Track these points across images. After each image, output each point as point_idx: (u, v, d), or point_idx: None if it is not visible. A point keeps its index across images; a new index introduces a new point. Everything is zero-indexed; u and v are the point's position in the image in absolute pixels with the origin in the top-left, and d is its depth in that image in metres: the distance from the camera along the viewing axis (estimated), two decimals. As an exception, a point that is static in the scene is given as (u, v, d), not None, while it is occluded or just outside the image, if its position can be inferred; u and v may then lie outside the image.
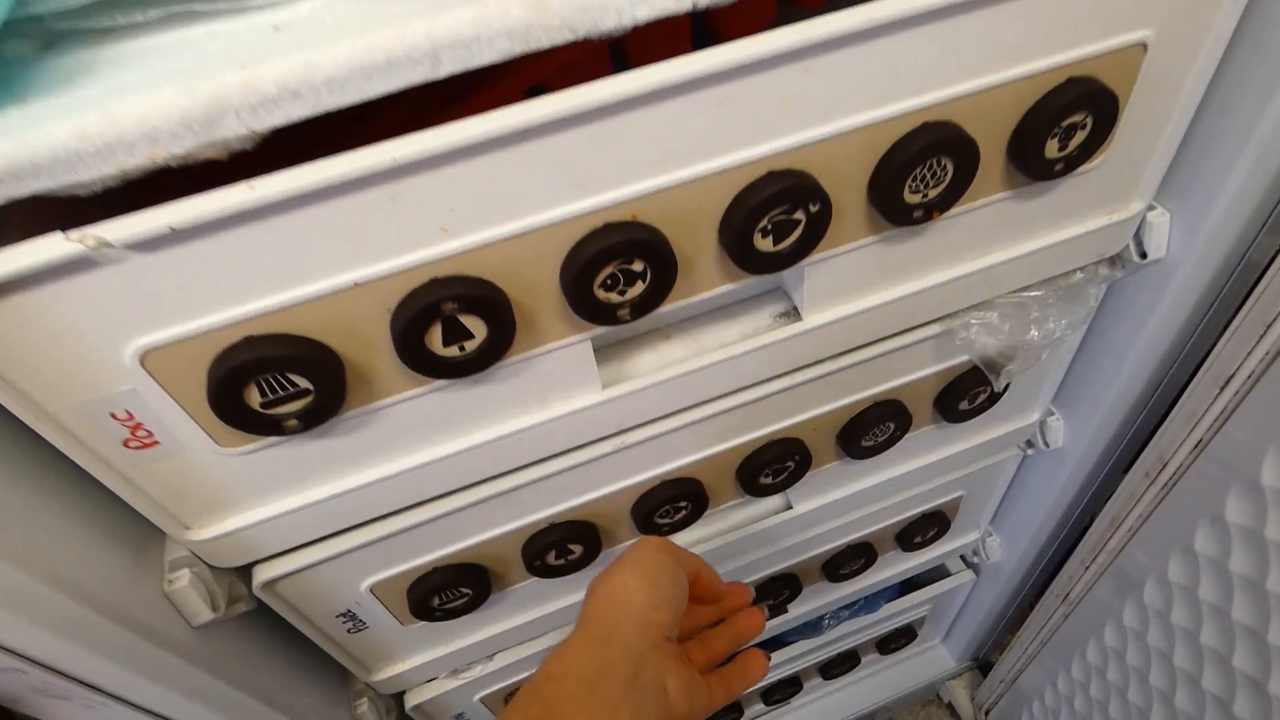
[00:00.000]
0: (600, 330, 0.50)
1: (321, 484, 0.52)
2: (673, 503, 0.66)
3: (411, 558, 0.61)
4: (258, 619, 0.62)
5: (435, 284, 0.43)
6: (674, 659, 0.46)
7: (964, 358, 0.67)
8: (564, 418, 0.54)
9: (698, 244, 0.48)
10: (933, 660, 1.46)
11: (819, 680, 1.35)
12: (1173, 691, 0.81)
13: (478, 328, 0.45)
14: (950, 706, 1.52)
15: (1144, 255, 0.63)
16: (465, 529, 0.61)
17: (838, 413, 0.67)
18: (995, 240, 0.58)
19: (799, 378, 0.61)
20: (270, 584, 0.57)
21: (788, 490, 0.76)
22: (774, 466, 0.67)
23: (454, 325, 0.44)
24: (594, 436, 0.58)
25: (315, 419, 0.45)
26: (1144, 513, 0.75)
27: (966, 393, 0.69)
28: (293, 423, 0.44)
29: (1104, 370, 0.74)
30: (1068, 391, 0.81)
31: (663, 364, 0.56)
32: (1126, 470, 0.79)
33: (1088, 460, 0.84)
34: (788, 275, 0.57)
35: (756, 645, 0.74)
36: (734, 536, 0.79)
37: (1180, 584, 0.75)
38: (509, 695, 0.85)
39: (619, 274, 0.45)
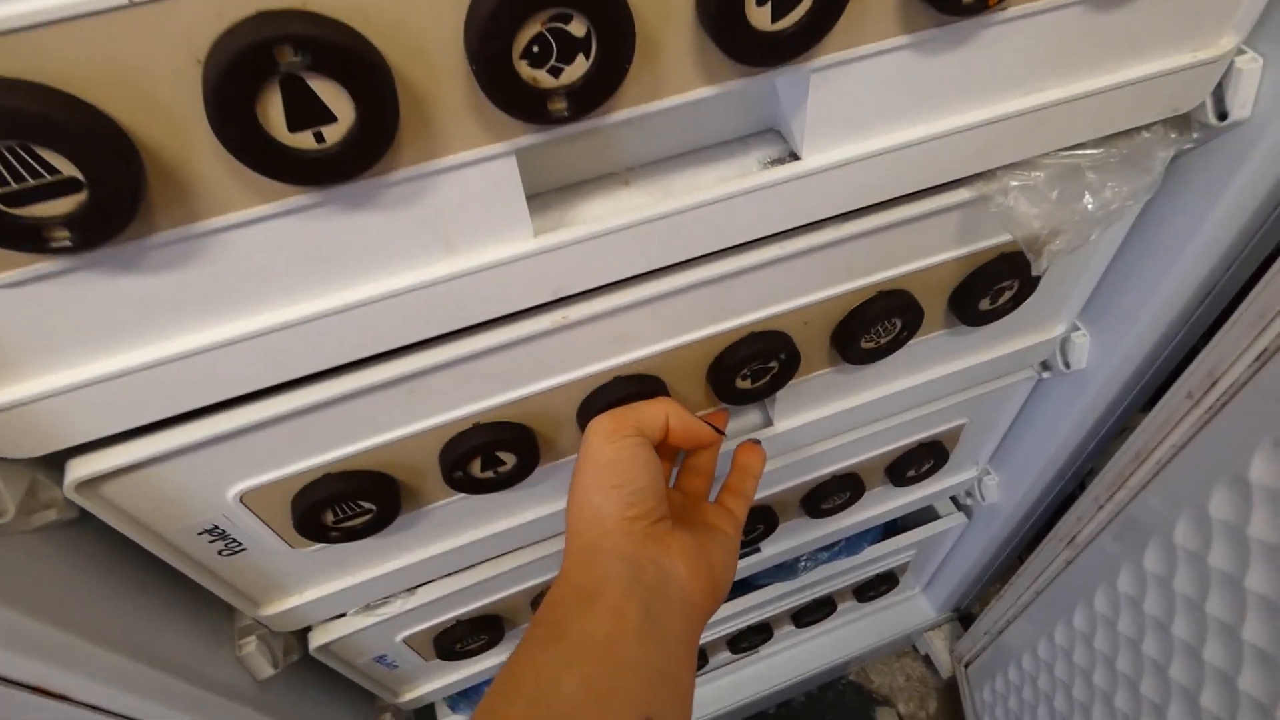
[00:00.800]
0: (528, 137, 0.36)
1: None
2: (628, 400, 0.52)
3: (293, 459, 0.47)
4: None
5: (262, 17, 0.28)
6: (672, 539, 0.45)
7: (991, 242, 0.54)
8: (481, 272, 0.40)
9: (663, 12, 0.34)
10: (911, 610, 1.36)
11: (790, 628, 1.25)
12: (1168, 663, 0.71)
13: (340, 104, 0.30)
14: (926, 659, 1.45)
15: (1223, 116, 0.50)
16: (361, 424, 0.47)
17: (835, 302, 0.53)
18: (1051, 69, 0.45)
19: (791, 246, 0.47)
20: (91, 483, 0.42)
21: (769, 400, 0.63)
22: (754, 366, 0.54)
23: (302, 95, 0.29)
24: (523, 304, 0.43)
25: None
26: (1179, 442, 0.63)
27: (990, 287, 0.56)
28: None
29: (1144, 276, 0.62)
30: (1097, 304, 0.68)
31: (614, 210, 0.42)
32: (1148, 407, 0.68)
33: (1111, 387, 0.72)
34: (786, 100, 0.43)
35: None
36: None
37: (1189, 548, 0.65)
38: (439, 635, 0.73)
39: (549, 37, 0.31)
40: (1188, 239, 0.57)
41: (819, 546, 0.98)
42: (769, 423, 0.66)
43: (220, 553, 0.52)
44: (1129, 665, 0.78)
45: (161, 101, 0.29)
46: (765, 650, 1.28)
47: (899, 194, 0.47)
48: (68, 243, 0.31)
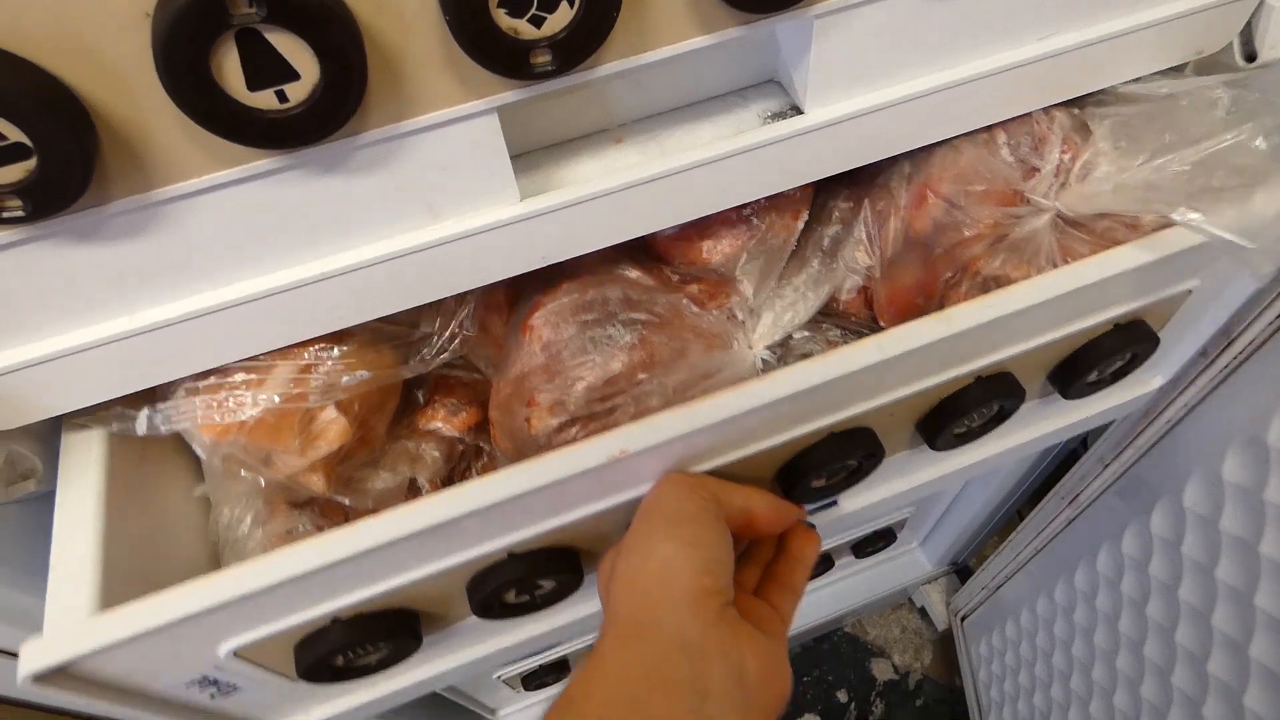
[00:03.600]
0: (509, 94, 0.33)
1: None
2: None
3: (291, 613, 0.40)
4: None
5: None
6: (742, 630, 0.34)
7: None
8: (466, 238, 0.38)
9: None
10: (908, 564, 1.34)
11: None
12: (1173, 626, 0.69)
13: (302, 60, 0.28)
14: (923, 610, 1.43)
15: (1251, 58, 0.47)
16: (377, 570, 0.40)
17: (929, 393, 0.47)
18: (1067, 11, 0.42)
19: (754, 448, 0.42)
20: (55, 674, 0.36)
21: None
22: (830, 469, 0.47)
23: (261, 50, 0.27)
24: (511, 270, 0.41)
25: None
26: (1191, 401, 0.61)
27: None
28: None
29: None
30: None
31: (605, 170, 0.40)
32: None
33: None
34: (787, 49, 0.40)
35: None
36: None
37: (1199, 512, 0.63)
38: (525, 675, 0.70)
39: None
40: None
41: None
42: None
43: (213, 697, 0.44)
44: (1132, 627, 0.77)
45: (110, 60, 0.27)
46: None
47: (908, 148, 0.45)
48: (20, 212, 0.29)
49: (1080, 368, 0.55)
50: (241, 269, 0.36)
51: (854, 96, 0.40)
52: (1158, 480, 0.68)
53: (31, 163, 0.27)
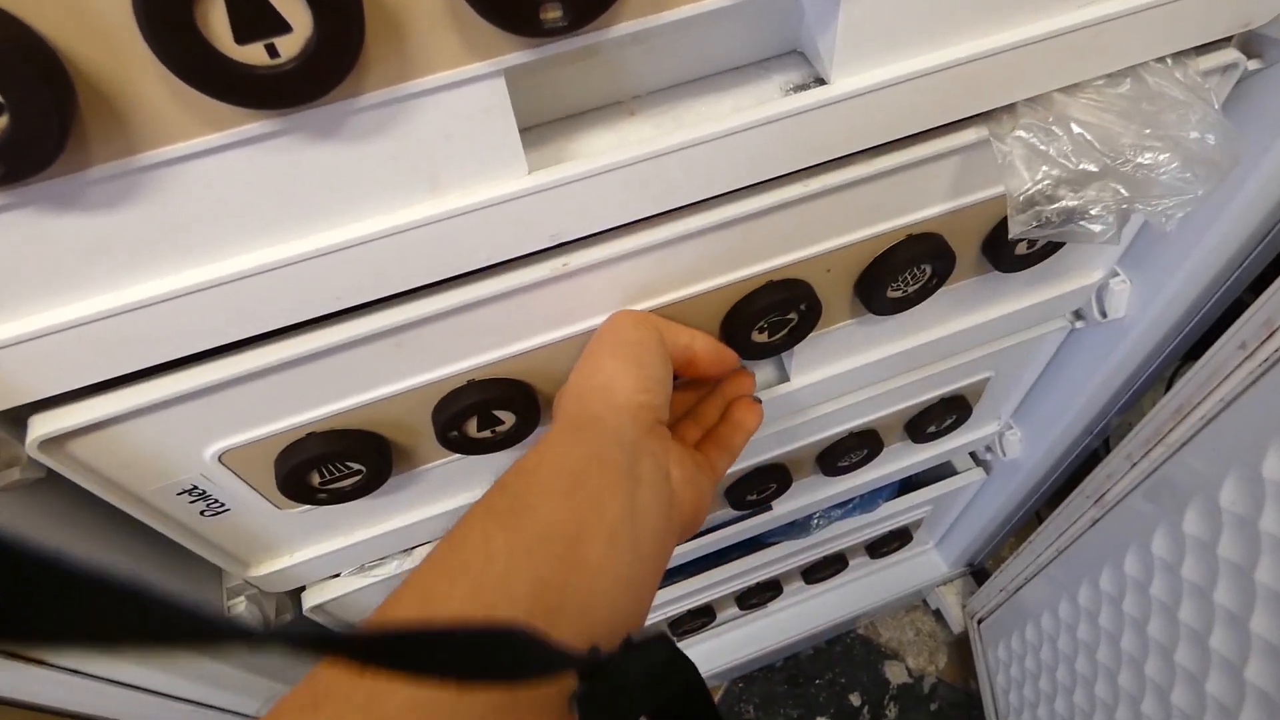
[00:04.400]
0: (518, 54, 0.31)
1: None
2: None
3: (274, 417, 0.43)
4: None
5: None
6: (671, 442, 0.41)
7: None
8: (470, 213, 0.36)
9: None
10: (924, 565, 1.32)
11: (800, 584, 1.20)
12: (1208, 631, 0.66)
13: (294, 11, 0.26)
14: (937, 613, 1.41)
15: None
16: (347, 381, 0.43)
17: (860, 247, 0.48)
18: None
19: (815, 184, 0.43)
20: (55, 441, 0.39)
21: (786, 355, 0.59)
22: (772, 318, 0.49)
23: (253, 4, 0.25)
24: (518, 250, 0.39)
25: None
26: (1228, 396, 0.58)
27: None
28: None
29: (1194, 217, 0.57)
30: (1139, 247, 0.63)
31: (620, 142, 0.38)
32: (1187, 360, 0.64)
33: (1150, 338, 0.67)
34: (812, 15, 0.38)
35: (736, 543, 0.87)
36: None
37: (1236, 512, 0.60)
38: None
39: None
40: (1247, 173, 0.52)
41: (833, 504, 0.94)
42: (785, 378, 0.62)
43: (203, 513, 0.48)
44: (1162, 631, 0.74)
45: (88, 6, 0.25)
46: (773, 606, 1.24)
47: (940, 123, 0.42)
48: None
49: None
50: (231, 242, 0.34)
51: (883, 66, 0.38)
52: (1191, 479, 0.66)
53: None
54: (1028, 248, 0.53)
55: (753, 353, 0.51)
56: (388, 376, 0.44)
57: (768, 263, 0.47)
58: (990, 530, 1.14)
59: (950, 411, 0.77)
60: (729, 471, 0.52)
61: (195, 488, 0.46)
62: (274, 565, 0.56)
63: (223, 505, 0.48)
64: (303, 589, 0.63)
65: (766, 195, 0.42)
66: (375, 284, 0.37)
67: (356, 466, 0.46)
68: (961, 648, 1.38)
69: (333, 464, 0.45)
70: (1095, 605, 0.86)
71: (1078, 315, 0.71)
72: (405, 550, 0.63)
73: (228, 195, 0.32)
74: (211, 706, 0.59)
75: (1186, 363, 0.66)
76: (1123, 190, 0.42)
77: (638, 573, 0.34)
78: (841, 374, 0.62)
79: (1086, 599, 0.88)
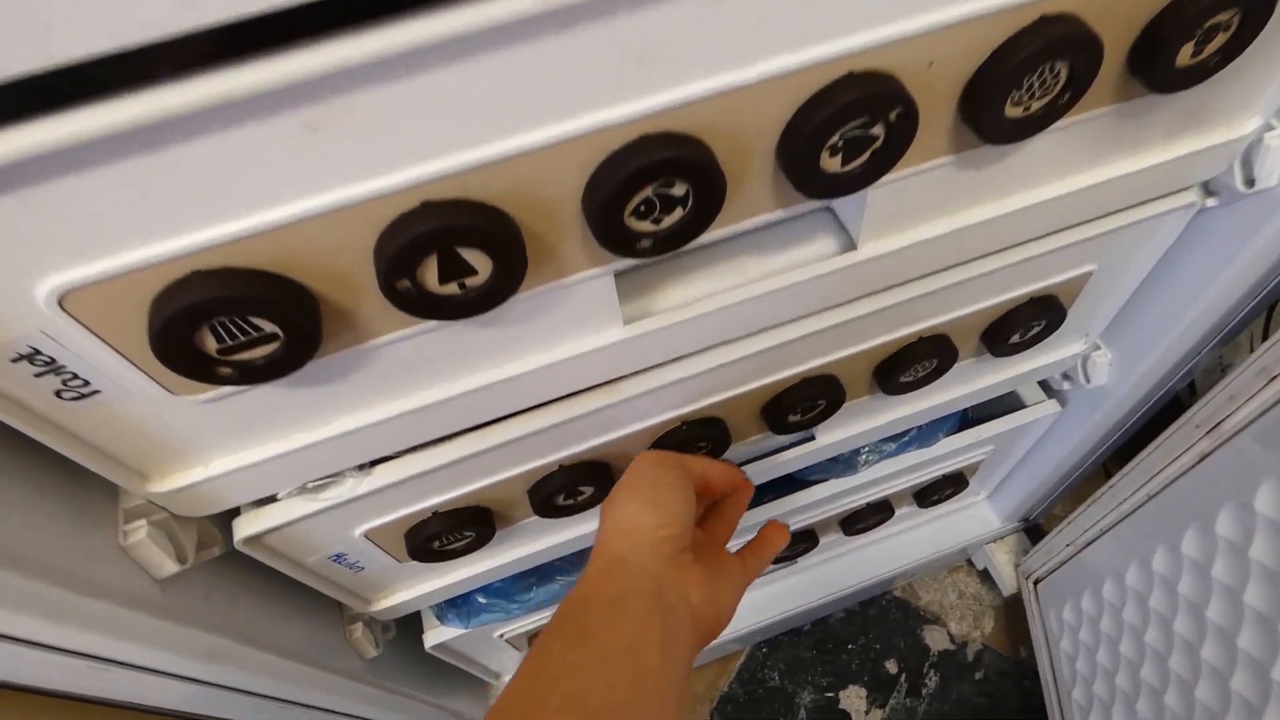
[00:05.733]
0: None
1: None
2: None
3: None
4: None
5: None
6: (690, 568, 0.47)
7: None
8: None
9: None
10: (974, 519, 1.20)
11: (838, 535, 1.09)
12: None
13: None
14: (985, 573, 1.30)
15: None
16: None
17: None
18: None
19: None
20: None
21: (855, 211, 0.48)
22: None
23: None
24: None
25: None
26: None
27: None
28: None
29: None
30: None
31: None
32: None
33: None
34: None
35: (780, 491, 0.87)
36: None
37: None
38: (412, 529, 0.60)
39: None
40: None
41: (885, 436, 0.81)
42: (851, 244, 0.50)
43: (60, 394, 0.37)
44: (1261, 598, 0.64)
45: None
46: (805, 561, 1.13)
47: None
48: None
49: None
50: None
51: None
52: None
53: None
54: (1196, 49, 0.41)
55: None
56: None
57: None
58: (1050, 483, 1.03)
59: (1039, 315, 0.64)
60: (769, 383, 0.58)
61: (38, 353, 0.35)
62: (182, 478, 0.45)
63: (85, 383, 0.38)
64: (235, 515, 0.53)
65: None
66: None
67: (270, 329, 0.35)
68: (1011, 612, 1.27)
69: (233, 319, 0.34)
70: (1174, 571, 0.76)
71: (1208, 192, 0.58)
72: (363, 466, 0.52)
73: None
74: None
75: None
76: None
77: (678, 680, 0.43)
78: (920, 244, 0.50)
79: (1164, 564, 0.77)
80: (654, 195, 0.37)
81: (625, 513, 0.47)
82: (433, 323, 0.41)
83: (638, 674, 0.40)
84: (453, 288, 0.37)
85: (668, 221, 0.39)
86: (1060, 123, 0.43)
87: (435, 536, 0.58)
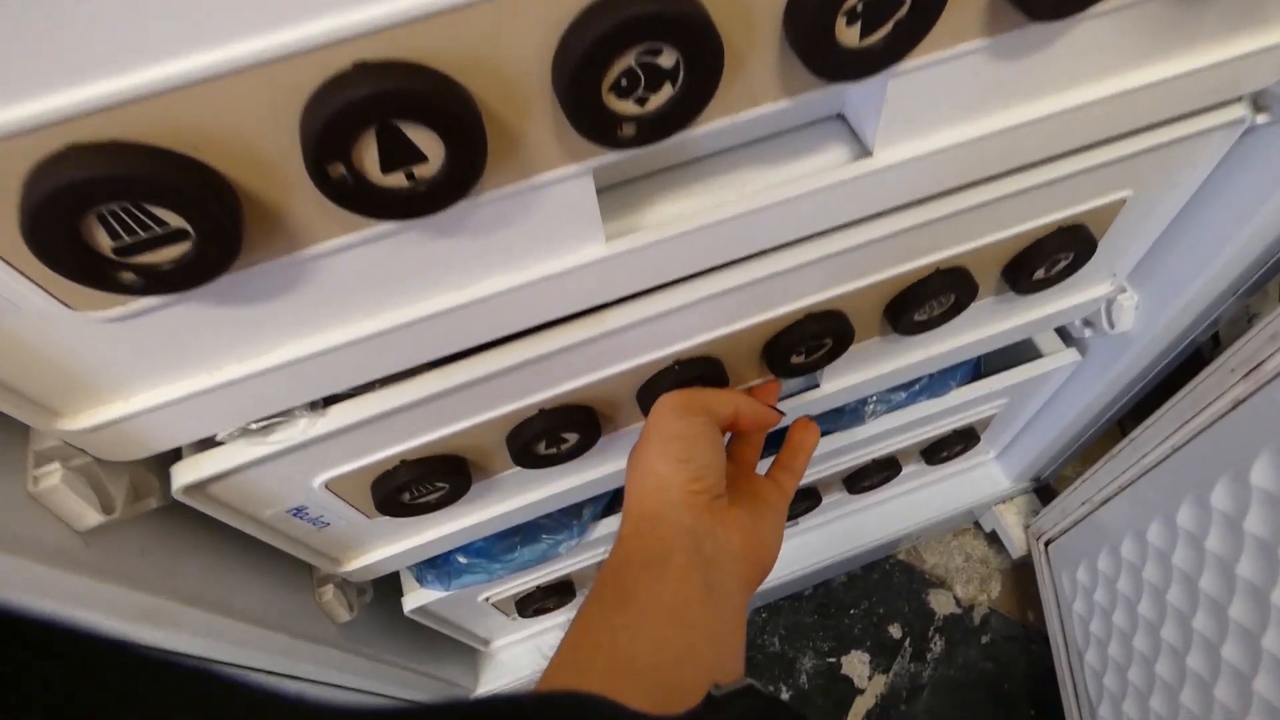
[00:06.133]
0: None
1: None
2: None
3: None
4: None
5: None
6: (727, 513, 0.46)
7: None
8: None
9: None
10: (983, 478, 1.16)
11: (842, 494, 1.03)
12: None
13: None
14: (993, 535, 1.26)
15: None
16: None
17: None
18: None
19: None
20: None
21: (870, 121, 0.43)
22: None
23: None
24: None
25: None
26: None
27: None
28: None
29: None
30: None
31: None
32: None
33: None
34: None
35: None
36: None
37: None
38: (379, 479, 0.53)
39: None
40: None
41: (895, 384, 0.75)
42: (867, 151, 0.44)
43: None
44: None
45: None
46: (807, 522, 1.08)
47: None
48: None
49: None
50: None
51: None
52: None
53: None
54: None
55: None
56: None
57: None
58: (1068, 436, 0.97)
59: (1067, 246, 0.58)
60: (771, 318, 0.52)
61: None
62: (98, 415, 0.39)
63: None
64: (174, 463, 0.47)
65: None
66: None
67: (176, 223, 0.29)
68: (1019, 575, 1.24)
69: (127, 208, 0.28)
70: (1202, 526, 0.71)
71: (1258, 107, 0.52)
72: (316, 405, 0.45)
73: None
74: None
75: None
76: None
77: (728, 630, 0.41)
78: (942, 152, 0.43)
79: (1190, 519, 0.73)
80: (637, 66, 0.31)
81: (654, 470, 0.45)
82: (381, 227, 0.35)
83: (685, 629, 0.39)
84: (399, 178, 0.31)
85: (655, 102, 0.33)
86: (1108, 2, 0.38)
87: (404, 488, 0.52)
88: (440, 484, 0.53)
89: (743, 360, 0.56)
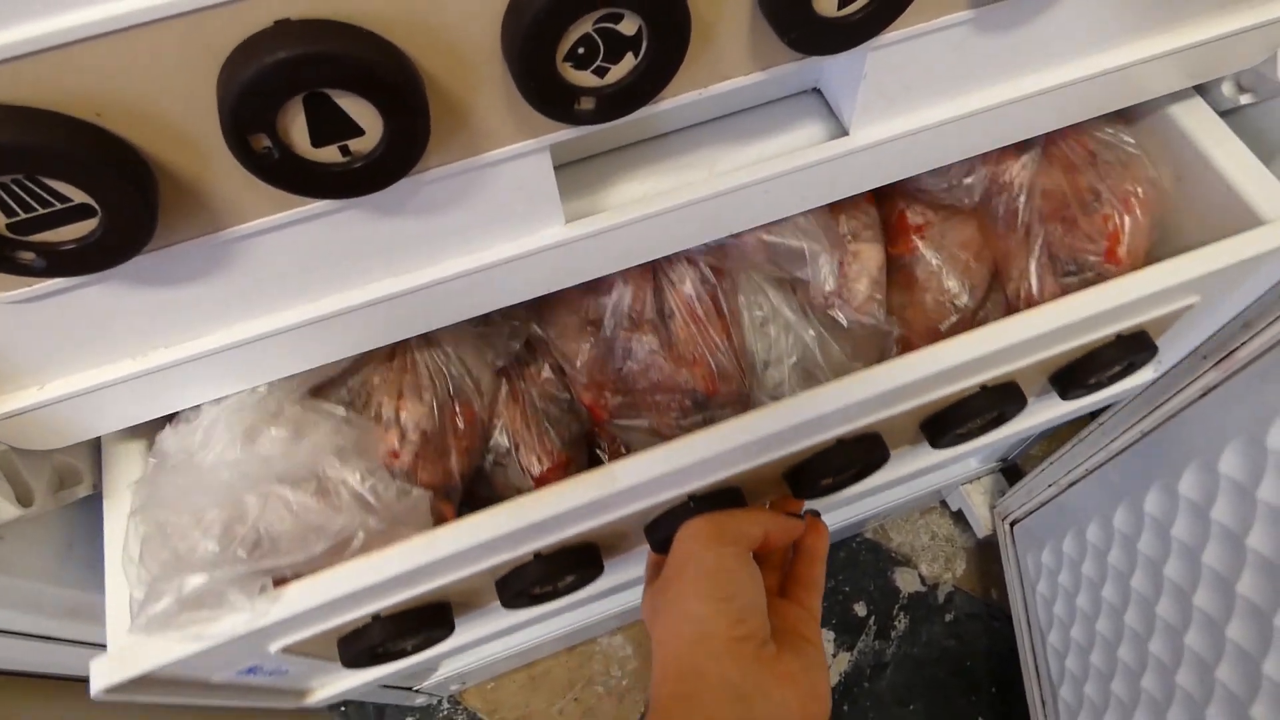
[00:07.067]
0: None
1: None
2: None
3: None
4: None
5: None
6: (777, 665, 0.38)
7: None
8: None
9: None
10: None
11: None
12: None
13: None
14: (958, 514, 1.25)
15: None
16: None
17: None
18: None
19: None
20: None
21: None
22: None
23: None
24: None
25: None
26: None
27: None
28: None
29: None
30: None
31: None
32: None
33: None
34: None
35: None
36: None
37: None
38: None
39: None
40: None
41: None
42: (844, 131, 0.41)
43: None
44: (1266, 540, 0.59)
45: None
46: None
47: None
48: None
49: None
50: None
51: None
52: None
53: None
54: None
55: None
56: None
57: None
58: None
59: (1126, 354, 0.54)
60: (800, 449, 0.47)
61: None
62: (9, 402, 0.37)
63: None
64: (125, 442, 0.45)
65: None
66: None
67: (79, 198, 0.27)
68: (983, 554, 1.24)
69: (20, 180, 0.26)
70: (1168, 512, 0.71)
71: (1241, 88, 0.52)
72: (263, 586, 0.40)
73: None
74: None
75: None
76: None
77: None
78: (921, 132, 0.42)
79: (1157, 505, 0.73)
80: (595, 33, 0.28)
81: (691, 614, 0.38)
82: (316, 205, 0.32)
83: None
84: (332, 152, 0.28)
85: (615, 73, 0.30)
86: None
87: (378, 644, 0.45)
88: (419, 635, 0.46)
89: (764, 484, 0.50)
